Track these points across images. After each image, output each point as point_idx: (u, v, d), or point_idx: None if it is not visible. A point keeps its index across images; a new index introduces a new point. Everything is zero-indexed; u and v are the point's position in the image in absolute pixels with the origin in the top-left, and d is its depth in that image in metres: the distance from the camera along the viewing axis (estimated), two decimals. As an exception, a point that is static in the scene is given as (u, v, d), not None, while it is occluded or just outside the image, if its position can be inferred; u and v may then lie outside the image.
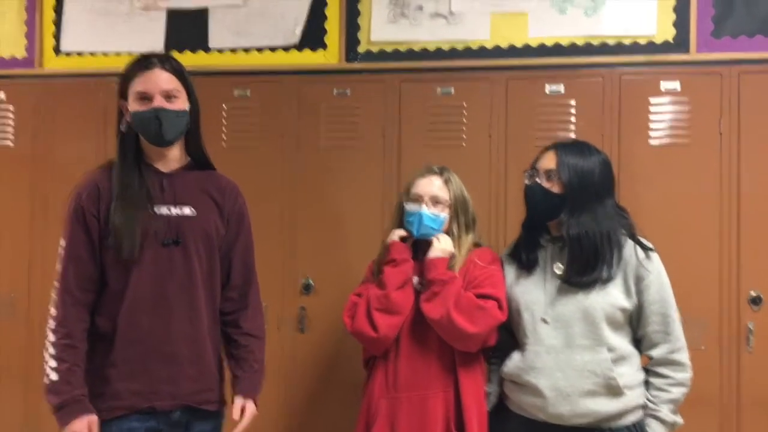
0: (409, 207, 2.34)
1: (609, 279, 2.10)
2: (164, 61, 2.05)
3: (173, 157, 2.11)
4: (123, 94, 2.06)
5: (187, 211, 2.06)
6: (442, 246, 2.29)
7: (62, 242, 2.04)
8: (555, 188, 2.16)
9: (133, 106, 2.02)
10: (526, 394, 2.16)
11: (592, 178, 2.15)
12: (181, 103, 2.05)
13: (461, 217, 2.35)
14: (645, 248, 2.14)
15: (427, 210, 2.31)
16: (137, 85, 2.02)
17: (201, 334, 2.06)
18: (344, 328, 2.42)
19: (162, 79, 2.02)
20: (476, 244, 2.38)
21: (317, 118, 3.15)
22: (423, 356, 2.25)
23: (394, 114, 3.10)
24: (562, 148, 2.21)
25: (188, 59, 3.32)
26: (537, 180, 2.19)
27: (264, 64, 3.28)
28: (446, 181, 2.35)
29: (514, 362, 2.19)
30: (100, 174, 2.08)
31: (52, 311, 1.99)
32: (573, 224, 2.12)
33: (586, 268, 2.10)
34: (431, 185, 2.35)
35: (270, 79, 3.22)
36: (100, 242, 2.00)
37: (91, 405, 1.98)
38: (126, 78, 2.05)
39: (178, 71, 2.07)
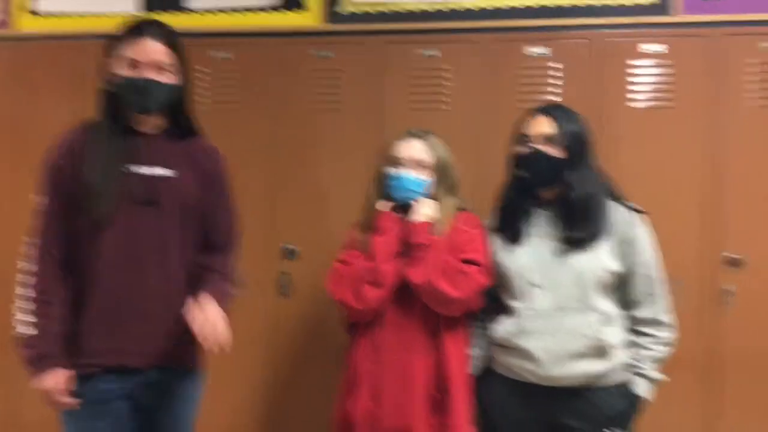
0: (391, 171, 2.32)
1: (600, 239, 2.13)
2: (159, 31, 2.01)
3: (155, 120, 2.08)
4: (109, 54, 2.02)
5: (164, 171, 2.03)
6: (424, 210, 2.28)
7: (38, 199, 2.01)
8: (558, 153, 2.16)
9: (122, 69, 1.98)
10: (516, 357, 2.18)
11: (586, 141, 2.20)
12: (171, 76, 2.02)
13: (444, 181, 2.33)
14: (636, 211, 2.19)
15: (408, 173, 2.29)
16: (129, 51, 1.98)
17: (175, 294, 2.03)
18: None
19: (155, 50, 1.98)
20: (460, 209, 2.37)
21: (299, 81, 3.11)
22: (407, 321, 2.25)
23: (378, 77, 3.06)
24: (556, 111, 2.22)
25: (166, 20, 3.23)
26: (535, 146, 2.18)
27: (245, 26, 3.23)
28: (428, 145, 2.33)
29: (504, 327, 2.20)
30: (77, 132, 2.05)
31: (28, 266, 1.98)
32: (579, 186, 2.14)
33: (588, 226, 2.13)
34: (413, 149, 2.33)
35: (251, 41, 3.17)
36: (74, 200, 1.97)
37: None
38: (117, 40, 2.01)
39: (172, 42, 2.03)
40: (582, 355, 2.10)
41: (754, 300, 2.85)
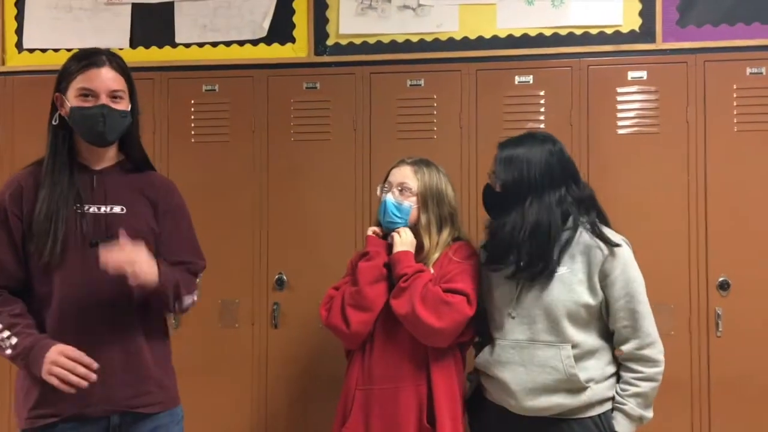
0: (381, 195, 2.34)
1: (558, 272, 2.09)
2: (111, 59, 1.98)
3: (106, 156, 2.04)
4: (60, 88, 1.97)
5: (118, 209, 1.99)
6: (402, 239, 2.27)
7: None
8: (497, 187, 2.18)
9: (75, 101, 1.93)
10: (495, 386, 2.18)
11: (528, 172, 2.11)
12: (125, 104, 1.99)
13: (433, 208, 2.31)
14: (609, 243, 2.10)
15: (391, 198, 2.30)
16: (82, 82, 1.93)
17: (135, 338, 1.97)
18: (320, 323, 2.39)
19: (109, 78, 1.95)
20: (456, 239, 2.35)
21: (287, 112, 3.13)
22: (395, 350, 2.23)
23: (365, 106, 3.09)
24: (502, 146, 2.21)
25: (155, 55, 3.29)
26: (488, 181, 2.24)
27: (232, 59, 3.26)
28: (416, 170, 2.32)
29: (484, 355, 2.21)
30: (26, 173, 2.00)
31: None
32: (495, 223, 2.16)
33: (516, 265, 2.10)
34: (400, 173, 2.34)
35: (238, 73, 3.20)
36: (23, 243, 1.93)
37: (21, 414, 1.93)
38: (68, 71, 1.97)
39: (124, 70, 2.00)
40: (553, 389, 2.07)
41: (740, 322, 2.86)
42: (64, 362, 1.82)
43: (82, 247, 1.93)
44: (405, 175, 2.32)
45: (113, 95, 1.96)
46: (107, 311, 1.93)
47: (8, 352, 1.87)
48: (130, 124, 2.02)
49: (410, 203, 2.30)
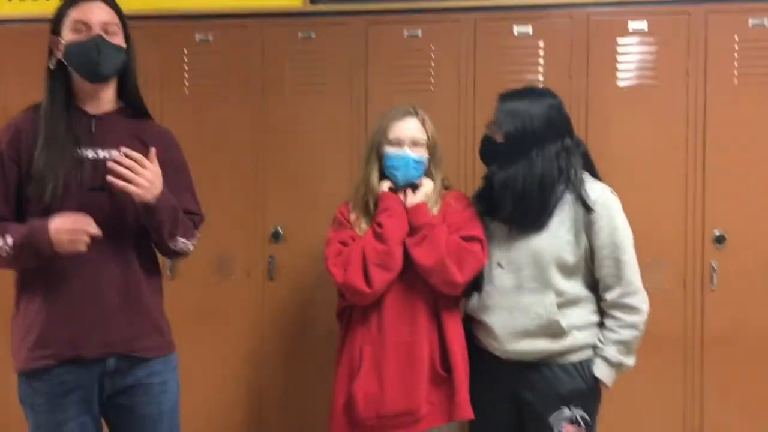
0: (392, 151, 2.29)
1: (553, 222, 2.14)
2: None
3: (105, 99, 2.02)
4: (55, 30, 1.96)
5: (115, 154, 1.94)
6: (426, 190, 2.29)
7: None
8: (498, 137, 2.19)
9: (69, 36, 1.92)
10: (481, 330, 2.25)
11: (531, 125, 2.15)
12: (119, 40, 1.97)
13: (435, 157, 2.33)
14: (596, 192, 2.16)
15: (412, 154, 2.28)
16: (75, 15, 1.92)
17: (133, 280, 1.98)
18: (314, 277, 2.41)
19: (102, 12, 1.95)
20: (446, 187, 2.37)
21: (282, 63, 3.09)
22: (407, 304, 2.23)
23: (361, 58, 3.05)
24: (504, 97, 2.25)
25: (147, 3, 3.22)
26: (487, 132, 2.26)
27: (226, 7, 3.19)
28: (423, 122, 2.32)
29: (473, 301, 2.27)
30: (23, 117, 1.99)
31: None
32: (501, 171, 2.16)
33: (517, 213, 2.15)
34: (411, 128, 2.31)
35: (232, 23, 3.14)
36: (21, 189, 1.92)
37: (19, 355, 1.95)
38: (61, 10, 1.96)
39: (117, 9, 2.00)
40: (534, 334, 2.14)
41: (735, 276, 2.87)
42: (69, 227, 1.84)
43: (80, 190, 1.93)
44: (414, 128, 2.31)
45: (106, 29, 1.94)
46: (105, 254, 1.93)
47: (10, 252, 1.87)
48: (125, 62, 1.99)
49: (424, 155, 2.31)
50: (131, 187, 1.88)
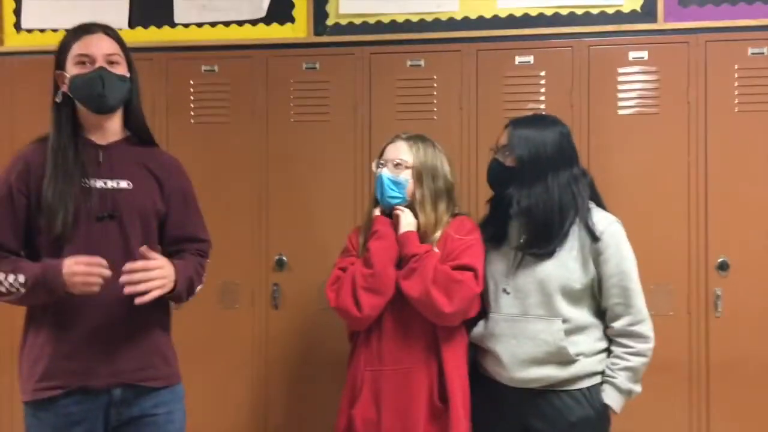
0: (376, 171, 2.32)
1: (561, 250, 2.14)
2: (105, 27, 2.01)
3: (111, 130, 2.04)
4: (60, 65, 1.99)
5: (124, 184, 1.99)
6: (407, 219, 2.27)
7: None
8: (508, 162, 2.20)
9: (74, 70, 1.96)
10: (488, 358, 2.24)
11: (545, 151, 2.17)
12: (123, 69, 2.00)
13: (428, 183, 2.28)
14: (603, 221, 2.16)
15: (387, 173, 2.28)
16: (78, 49, 1.96)
17: (140, 310, 1.96)
18: (319, 304, 2.41)
19: (104, 43, 1.98)
20: (455, 215, 2.34)
21: (287, 93, 3.12)
22: (405, 331, 2.22)
23: (364, 87, 3.08)
24: (516, 123, 2.26)
25: (154, 35, 3.27)
26: (496, 156, 2.25)
27: (231, 39, 3.24)
28: (410, 145, 2.31)
29: (479, 329, 2.26)
30: (31, 149, 2.01)
31: None
32: (523, 196, 2.16)
33: (538, 239, 2.15)
34: (395, 149, 2.32)
35: (238, 54, 3.18)
36: (29, 221, 1.94)
37: (27, 386, 1.95)
38: (64, 44, 1.99)
39: (119, 40, 2.02)
40: (542, 361, 2.13)
41: (739, 303, 2.86)
42: (82, 269, 1.84)
43: (89, 221, 1.94)
44: (400, 149, 2.31)
45: (110, 60, 1.97)
46: (113, 284, 1.92)
47: (22, 291, 1.87)
48: (129, 92, 2.02)
49: (406, 177, 2.28)
50: (156, 292, 1.88)
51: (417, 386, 2.20)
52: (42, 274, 1.86)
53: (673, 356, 2.83)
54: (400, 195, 2.28)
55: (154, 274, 1.89)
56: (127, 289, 1.84)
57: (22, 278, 1.87)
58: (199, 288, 2.11)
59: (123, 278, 1.84)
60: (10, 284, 1.88)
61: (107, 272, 1.85)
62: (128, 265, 1.86)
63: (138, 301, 1.85)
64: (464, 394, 2.22)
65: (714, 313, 2.88)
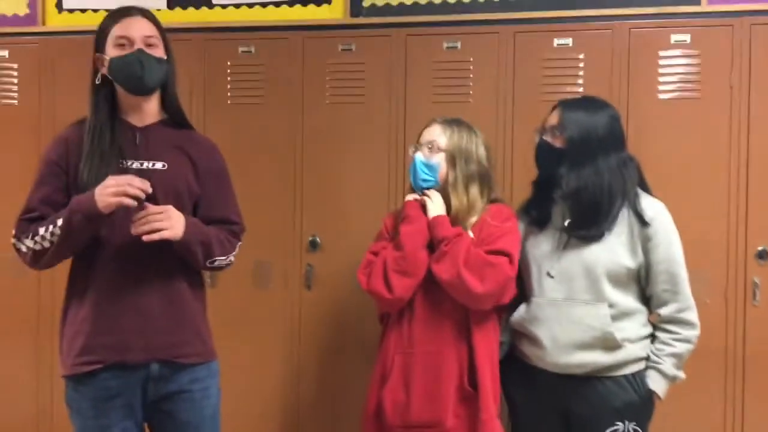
0: (412, 156, 2.32)
1: (609, 234, 2.12)
2: (143, 10, 2.05)
3: (149, 111, 2.08)
4: (99, 47, 2.03)
5: (159, 165, 2.03)
6: (435, 203, 2.26)
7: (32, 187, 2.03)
8: (558, 143, 2.18)
9: (113, 52, 1.99)
10: (528, 343, 2.23)
11: (596, 133, 2.15)
12: (161, 51, 2.03)
13: (461, 166, 2.27)
14: (653, 207, 2.15)
15: (420, 156, 2.29)
16: (117, 31, 1.99)
17: (176, 288, 2.02)
18: (351, 286, 2.42)
19: (143, 26, 2.01)
20: (493, 201, 2.32)
21: (322, 75, 3.13)
22: (436, 314, 2.23)
23: (400, 69, 3.07)
24: (566, 104, 2.24)
25: (192, 16, 3.30)
26: (544, 137, 2.22)
27: (268, 20, 3.25)
28: (444, 128, 2.30)
29: (519, 313, 2.24)
30: (71, 130, 2.06)
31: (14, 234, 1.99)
32: (572, 178, 2.14)
33: (586, 221, 2.13)
34: (430, 132, 2.32)
35: (274, 35, 3.19)
36: (68, 199, 1.96)
37: (67, 360, 2.00)
38: (104, 28, 2.03)
39: (157, 22, 2.06)
40: (588, 346, 2.12)
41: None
42: (114, 182, 1.87)
43: None
44: (434, 132, 2.31)
45: (148, 42, 2.00)
46: (150, 259, 1.98)
47: (59, 233, 1.90)
48: (167, 74, 2.05)
49: (438, 160, 2.28)
50: (165, 233, 1.91)
51: (447, 370, 2.20)
52: (75, 201, 1.90)
53: (709, 344, 2.77)
54: (432, 177, 2.28)
55: (164, 216, 1.92)
56: (133, 230, 1.89)
57: (59, 221, 1.91)
58: (222, 260, 2.11)
59: (135, 227, 1.89)
60: (51, 233, 1.92)
61: (139, 182, 1.87)
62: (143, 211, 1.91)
63: (146, 238, 1.88)
64: (494, 379, 2.22)
65: (752, 302, 2.83)
